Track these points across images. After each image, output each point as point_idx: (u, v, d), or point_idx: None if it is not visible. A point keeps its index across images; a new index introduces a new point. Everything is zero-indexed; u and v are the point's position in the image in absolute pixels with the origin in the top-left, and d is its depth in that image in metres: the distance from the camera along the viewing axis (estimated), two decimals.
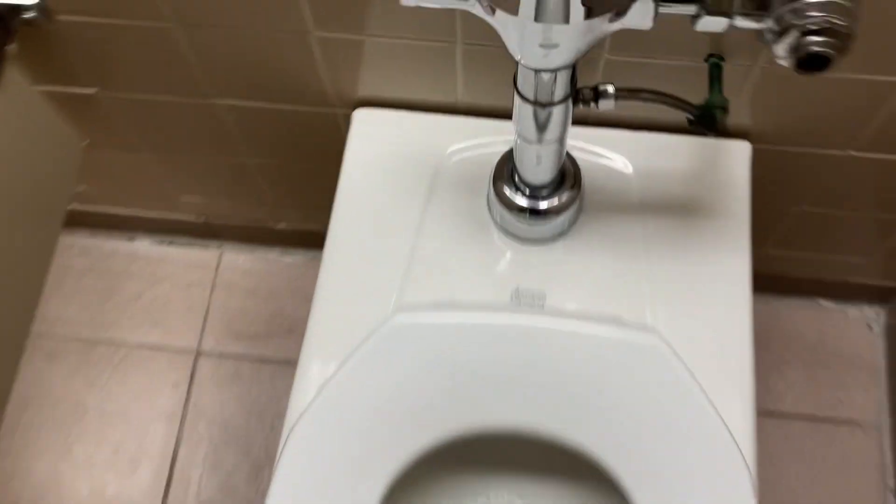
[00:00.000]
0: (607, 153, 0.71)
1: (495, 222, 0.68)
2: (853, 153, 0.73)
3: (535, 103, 0.52)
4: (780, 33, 0.40)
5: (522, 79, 0.51)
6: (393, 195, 0.70)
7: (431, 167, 0.71)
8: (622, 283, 0.66)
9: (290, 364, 0.80)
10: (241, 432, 1.01)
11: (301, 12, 0.63)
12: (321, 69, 0.70)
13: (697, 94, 0.62)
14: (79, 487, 0.99)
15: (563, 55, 0.46)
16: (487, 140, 0.71)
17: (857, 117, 0.68)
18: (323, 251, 0.69)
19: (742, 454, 0.59)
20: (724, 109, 0.59)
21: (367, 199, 0.70)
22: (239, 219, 1.02)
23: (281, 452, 0.60)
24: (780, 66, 0.42)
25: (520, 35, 0.44)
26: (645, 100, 0.55)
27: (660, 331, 0.65)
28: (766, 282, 0.93)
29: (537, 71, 0.49)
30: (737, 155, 0.71)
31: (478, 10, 0.44)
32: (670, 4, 0.42)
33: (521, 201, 0.65)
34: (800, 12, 0.38)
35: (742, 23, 0.42)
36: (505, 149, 0.67)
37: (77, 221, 1.08)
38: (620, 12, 0.42)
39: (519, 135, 0.57)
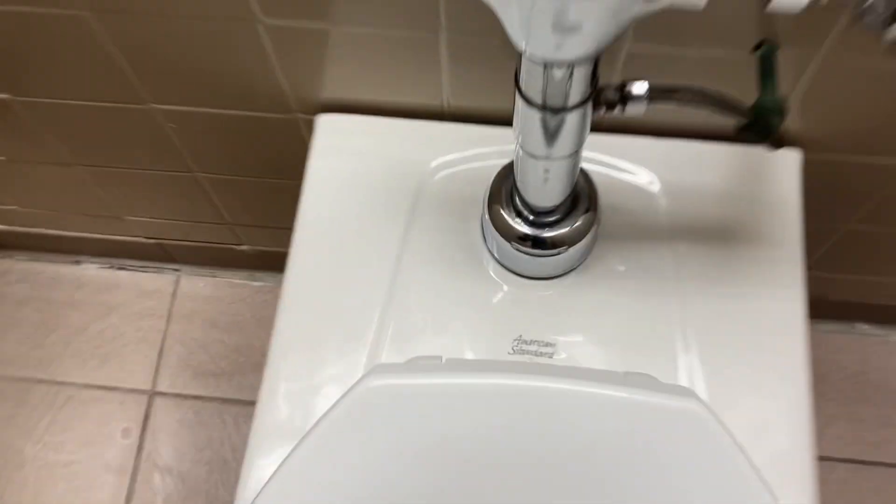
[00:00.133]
0: (628, 166, 0.58)
1: (491, 254, 0.56)
2: None
3: (544, 108, 0.39)
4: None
5: (528, 76, 0.38)
6: (365, 220, 0.57)
7: (412, 185, 0.58)
8: (649, 330, 0.54)
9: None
10: (202, 485, 0.88)
11: None
12: (275, 66, 0.57)
13: (741, 93, 0.49)
14: None
15: (583, 43, 0.34)
16: (481, 152, 0.58)
17: None
18: (281, 290, 0.56)
19: None
20: (782, 112, 0.46)
21: (334, 225, 0.57)
22: (197, 239, 0.89)
23: None
24: (847, 55, 0.29)
25: (526, 14, 0.32)
26: (684, 102, 0.43)
27: (698, 391, 0.52)
28: None
29: (548, 65, 0.36)
30: (785, 166, 0.58)
31: None
32: None
33: (524, 228, 0.52)
34: None
35: None
36: (503, 162, 0.54)
37: (14, 244, 0.95)
38: None
39: (522, 147, 0.44)
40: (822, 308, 0.90)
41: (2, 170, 0.77)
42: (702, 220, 0.57)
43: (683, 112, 0.56)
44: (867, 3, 0.29)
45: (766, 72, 0.48)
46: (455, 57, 0.55)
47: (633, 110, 0.41)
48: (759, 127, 0.45)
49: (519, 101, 0.40)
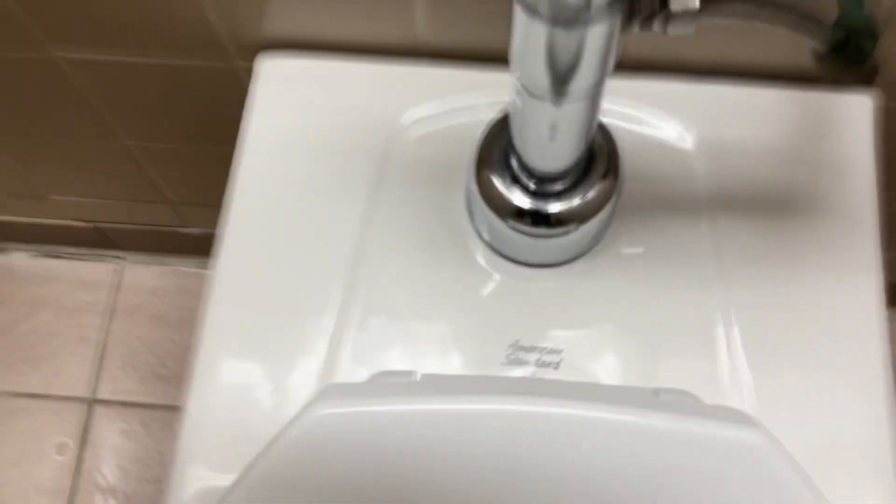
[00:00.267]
0: (654, 117, 0.45)
1: (480, 236, 0.43)
2: None
3: (555, 20, 0.27)
4: None
5: None
6: (319, 192, 0.45)
7: (378, 147, 0.45)
8: (683, 330, 0.41)
9: None
10: None
11: None
12: None
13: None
14: None
15: None
16: (467, 103, 0.46)
17: None
18: (210, 280, 0.44)
19: None
20: (873, 33, 0.33)
21: (278, 198, 0.45)
22: (139, 222, 0.76)
23: None
24: None
25: None
26: (748, 14, 0.30)
27: (747, 407, 0.40)
28: None
29: None
30: (856, 116, 0.46)
31: None
32: None
33: (522, 201, 0.39)
34: None
35: None
36: (494, 113, 0.41)
37: None
38: None
39: (521, 86, 0.32)
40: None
41: None
42: (748, 187, 0.44)
43: (721, 41, 0.44)
44: None
45: None
46: None
47: (681, 25, 0.29)
48: (848, 52, 0.33)
49: (518, 13, 0.28)
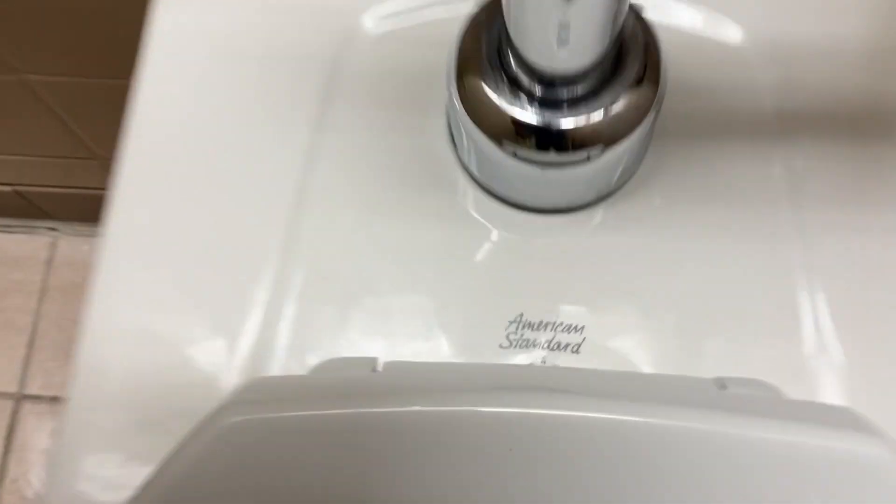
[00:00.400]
0: (706, 10, 0.33)
1: (466, 169, 0.31)
2: None
3: None
4: None
5: None
6: (248, 117, 0.33)
7: (327, 52, 0.33)
8: (750, 293, 0.30)
9: None
10: None
11: None
12: None
13: None
14: None
15: None
16: None
17: None
18: (102, 235, 0.32)
19: None
20: None
21: (193, 127, 0.33)
22: (69, 185, 0.64)
23: None
24: None
25: None
26: None
27: (842, 391, 0.29)
28: None
29: None
30: None
31: None
32: None
33: (523, 113, 0.27)
34: None
35: None
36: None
37: None
38: None
39: None
40: None
41: None
42: (831, 104, 0.33)
43: None
44: None
45: None
46: None
47: None
48: None
49: None
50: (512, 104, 0.27)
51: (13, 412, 0.68)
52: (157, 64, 0.33)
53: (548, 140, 0.27)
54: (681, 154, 0.31)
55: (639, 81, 0.28)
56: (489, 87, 0.28)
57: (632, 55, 0.28)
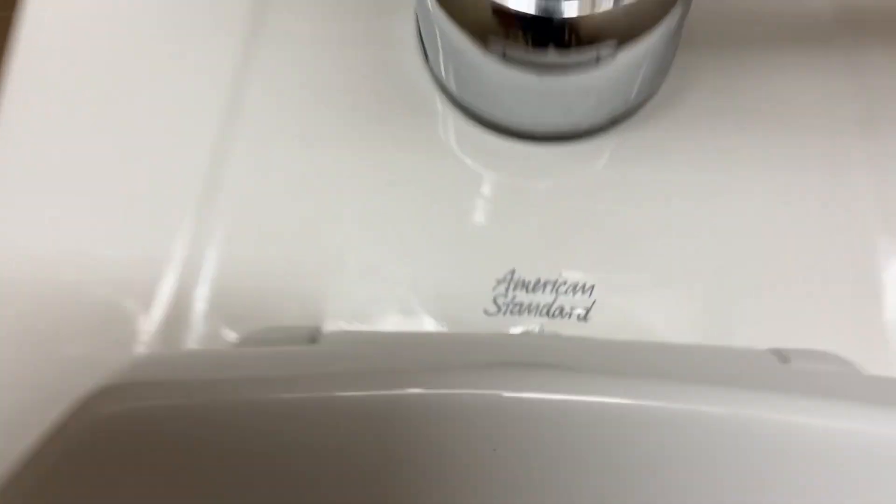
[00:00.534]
0: None
1: (438, 82, 0.25)
2: None
3: None
4: None
5: None
6: (157, 21, 0.26)
7: None
8: (812, 243, 0.23)
9: None
10: None
11: None
12: None
13: None
14: None
15: None
16: None
17: None
18: None
19: None
20: None
21: (89, 32, 0.26)
22: None
23: None
24: None
25: None
26: None
27: None
28: None
29: None
30: None
31: None
32: None
33: (521, 2, 0.20)
34: None
35: None
36: None
37: None
38: None
39: None
40: None
41: None
42: None
43: None
44: None
45: None
46: None
47: None
48: None
49: None
50: None
51: None
52: None
53: (546, 33, 0.20)
54: (715, 67, 0.25)
55: None
56: None
57: None
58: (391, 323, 0.22)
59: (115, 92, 0.25)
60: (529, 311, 0.23)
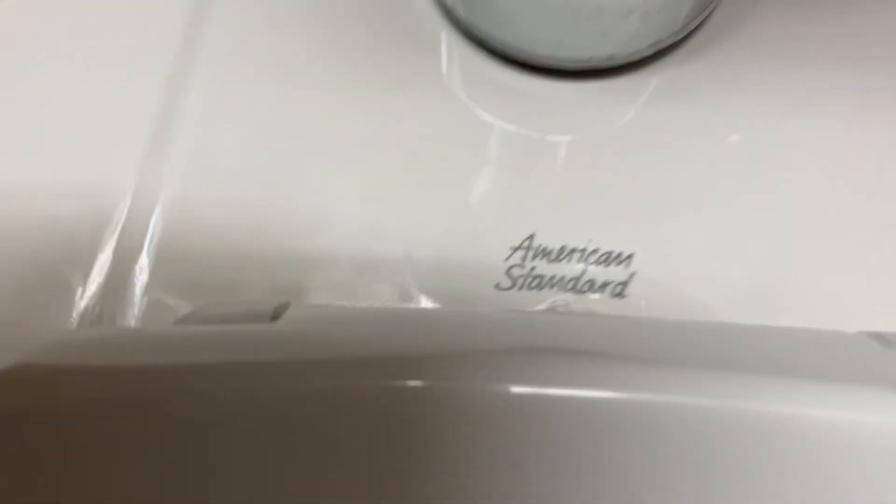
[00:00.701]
0: None
1: (447, 9, 0.20)
2: None
3: None
4: None
5: None
6: None
7: None
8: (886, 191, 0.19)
9: None
10: None
11: None
12: None
13: None
14: None
15: None
16: None
17: None
18: None
19: None
20: None
21: None
22: None
23: None
24: None
25: None
26: None
27: None
28: None
29: None
30: None
31: None
32: None
33: None
34: None
35: None
36: None
37: None
38: None
39: None
40: None
41: None
42: None
43: None
44: None
45: None
46: None
47: None
48: None
49: None
50: None
51: None
52: None
53: None
54: None
55: None
56: None
57: None
58: (380, 298, 0.18)
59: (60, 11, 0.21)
60: (551, 286, 0.18)
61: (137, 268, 0.18)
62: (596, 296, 0.18)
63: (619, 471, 0.13)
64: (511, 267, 0.18)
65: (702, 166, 0.19)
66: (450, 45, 0.20)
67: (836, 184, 0.19)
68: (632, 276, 0.18)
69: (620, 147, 0.19)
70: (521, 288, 0.18)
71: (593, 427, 0.13)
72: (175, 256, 0.18)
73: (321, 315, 0.15)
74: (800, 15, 0.20)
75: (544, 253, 0.18)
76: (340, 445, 0.12)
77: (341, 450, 0.12)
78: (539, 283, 0.18)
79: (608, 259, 0.18)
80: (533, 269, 0.18)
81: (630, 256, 0.18)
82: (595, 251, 0.18)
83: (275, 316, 0.15)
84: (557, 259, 0.18)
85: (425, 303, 0.18)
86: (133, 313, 0.18)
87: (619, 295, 0.18)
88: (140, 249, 0.19)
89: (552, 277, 0.18)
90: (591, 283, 0.18)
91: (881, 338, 0.15)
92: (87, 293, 0.19)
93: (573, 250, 0.18)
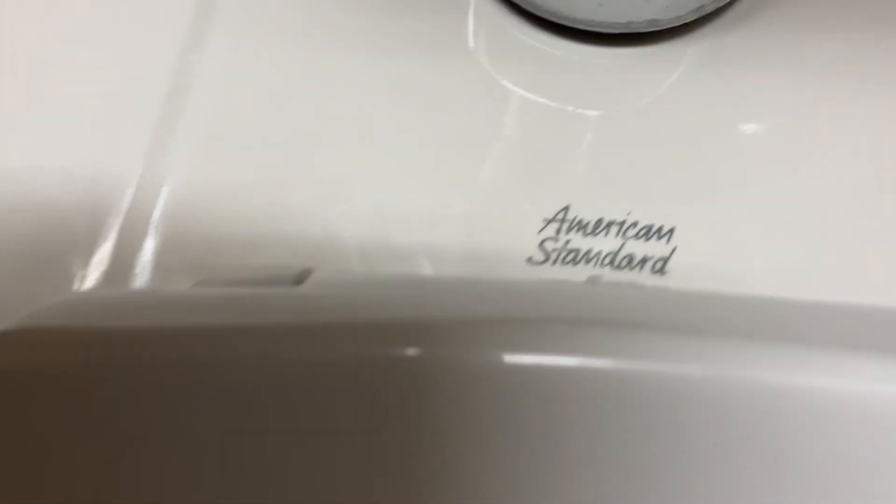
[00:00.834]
0: None
1: None
2: None
3: None
4: None
5: None
6: None
7: None
8: None
9: None
10: None
11: None
12: None
13: None
14: None
15: None
16: None
17: None
18: None
19: None
20: None
21: None
22: None
23: None
24: None
25: None
26: None
27: None
28: None
29: None
30: None
31: None
32: None
33: None
34: None
35: None
36: None
37: None
38: None
39: None
40: None
41: None
42: None
43: None
44: None
45: None
46: None
47: None
48: None
49: None
50: None
51: None
52: None
53: None
54: None
55: None
56: None
57: None
58: (403, 265, 0.17)
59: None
60: (587, 261, 0.17)
61: (148, 242, 0.17)
62: (635, 272, 0.17)
63: (617, 441, 0.12)
64: (544, 240, 0.17)
65: (745, 139, 0.18)
66: (478, 6, 0.19)
67: (882, 162, 0.18)
68: (673, 251, 0.17)
69: (659, 117, 0.18)
70: (554, 262, 0.17)
71: (591, 396, 0.12)
72: (182, 240, 0.17)
73: (346, 280, 0.14)
74: None
75: (580, 225, 0.17)
76: (357, 411, 0.11)
77: (358, 416, 0.11)
78: (574, 257, 0.17)
79: (647, 233, 0.17)
80: (567, 242, 0.17)
81: (671, 231, 0.17)
82: (634, 224, 0.17)
83: (298, 281, 0.14)
84: (593, 232, 0.17)
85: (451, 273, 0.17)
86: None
87: (660, 271, 0.17)
88: (149, 224, 0.18)
89: (588, 252, 0.17)
90: (630, 258, 0.17)
91: None
92: (94, 266, 0.18)
93: (610, 223, 0.17)
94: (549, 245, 0.17)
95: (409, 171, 0.18)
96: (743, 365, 0.12)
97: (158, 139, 0.18)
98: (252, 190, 0.18)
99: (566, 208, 0.18)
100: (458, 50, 0.19)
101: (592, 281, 0.17)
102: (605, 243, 0.17)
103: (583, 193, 0.18)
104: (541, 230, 0.17)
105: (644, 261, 0.17)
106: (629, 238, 0.17)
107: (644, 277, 0.17)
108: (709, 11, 0.18)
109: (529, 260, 0.17)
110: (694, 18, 0.18)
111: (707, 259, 0.17)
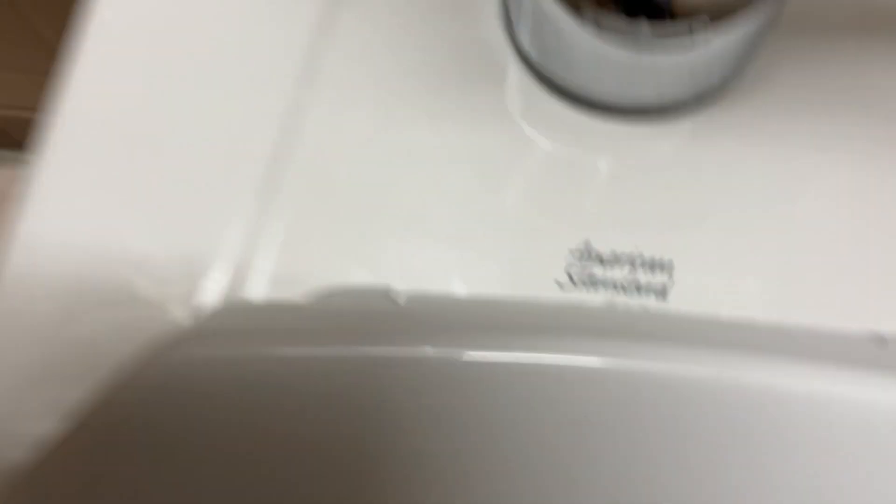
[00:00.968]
0: None
1: (522, 54, 0.24)
2: None
3: None
4: None
5: None
6: None
7: None
8: None
9: None
10: None
11: None
12: None
13: None
14: None
15: None
16: None
17: None
18: (36, 155, 0.25)
19: None
20: None
21: (159, 14, 0.26)
22: None
23: None
24: None
25: None
26: None
27: None
28: None
29: None
30: None
31: None
32: None
33: None
34: None
35: None
36: None
37: None
38: None
39: None
40: None
41: None
42: None
43: None
44: None
45: None
46: None
47: None
48: None
49: None
50: None
51: None
52: None
53: (638, 3, 0.20)
54: (809, 50, 0.24)
55: None
56: None
57: None
58: (459, 289, 0.22)
59: (191, 42, 0.25)
60: (603, 286, 0.22)
61: (260, 261, 0.22)
62: (641, 296, 0.22)
63: (634, 432, 0.16)
64: (569, 267, 0.22)
65: (733, 192, 0.23)
66: (521, 82, 0.24)
67: (853, 214, 0.23)
68: (673, 279, 0.22)
69: (664, 172, 0.23)
70: (577, 286, 0.22)
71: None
72: (292, 255, 0.22)
73: (435, 301, 0.19)
74: (825, 73, 0.24)
75: (598, 258, 0.22)
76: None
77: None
78: (593, 282, 0.22)
79: (652, 266, 0.22)
80: (587, 270, 0.22)
81: (670, 263, 0.22)
82: (640, 256, 0.22)
83: (391, 300, 0.19)
84: (609, 263, 0.22)
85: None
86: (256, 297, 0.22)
87: (661, 296, 0.22)
88: (261, 246, 0.22)
89: (604, 278, 0.22)
90: (637, 284, 0.22)
91: (877, 337, 0.19)
92: (213, 278, 0.22)
93: (622, 255, 0.22)
94: (574, 272, 0.22)
95: (461, 220, 0.23)
96: (729, 369, 0.17)
97: (264, 193, 0.23)
98: (340, 239, 0.23)
99: (586, 242, 0.22)
100: (506, 114, 0.24)
101: (609, 304, 0.21)
102: (617, 272, 0.22)
103: (600, 232, 0.22)
104: (566, 260, 0.22)
105: (649, 288, 0.22)
106: (637, 268, 0.22)
107: (648, 301, 0.22)
108: (705, 97, 0.23)
109: (557, 283, 0.22)
110: (693, 100, 0.23)
111: (702, 287, 0.22)
